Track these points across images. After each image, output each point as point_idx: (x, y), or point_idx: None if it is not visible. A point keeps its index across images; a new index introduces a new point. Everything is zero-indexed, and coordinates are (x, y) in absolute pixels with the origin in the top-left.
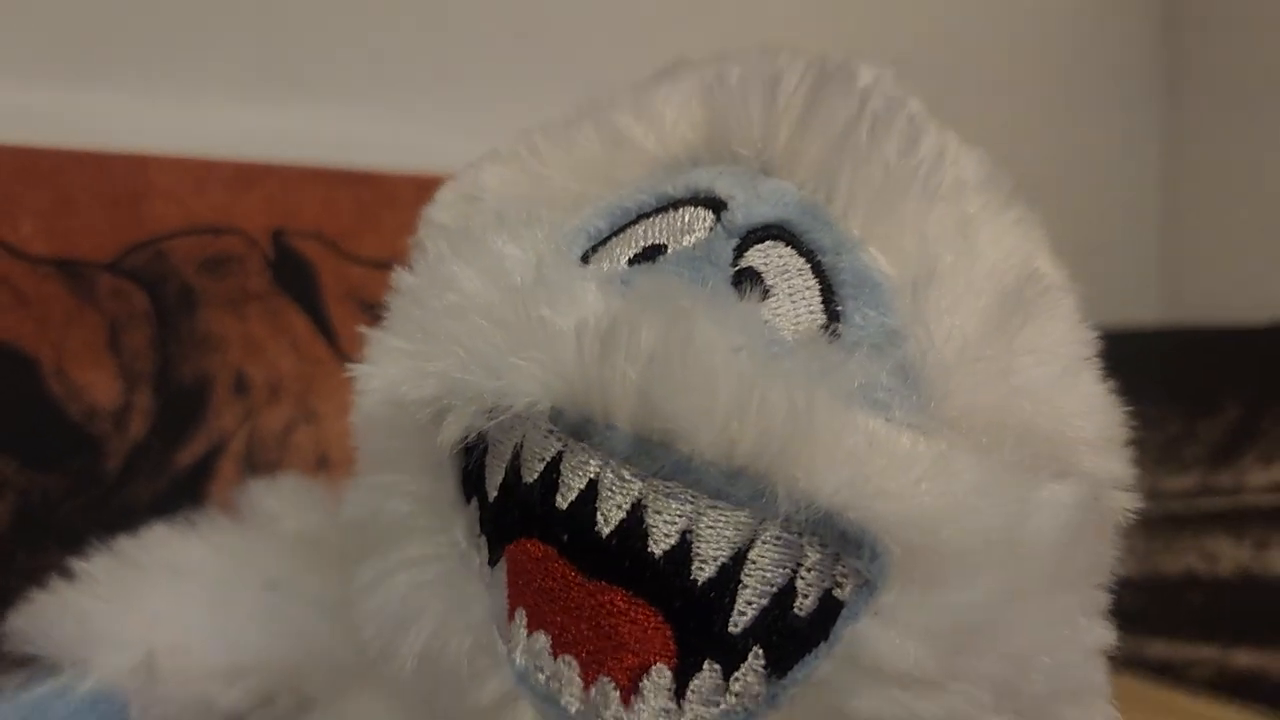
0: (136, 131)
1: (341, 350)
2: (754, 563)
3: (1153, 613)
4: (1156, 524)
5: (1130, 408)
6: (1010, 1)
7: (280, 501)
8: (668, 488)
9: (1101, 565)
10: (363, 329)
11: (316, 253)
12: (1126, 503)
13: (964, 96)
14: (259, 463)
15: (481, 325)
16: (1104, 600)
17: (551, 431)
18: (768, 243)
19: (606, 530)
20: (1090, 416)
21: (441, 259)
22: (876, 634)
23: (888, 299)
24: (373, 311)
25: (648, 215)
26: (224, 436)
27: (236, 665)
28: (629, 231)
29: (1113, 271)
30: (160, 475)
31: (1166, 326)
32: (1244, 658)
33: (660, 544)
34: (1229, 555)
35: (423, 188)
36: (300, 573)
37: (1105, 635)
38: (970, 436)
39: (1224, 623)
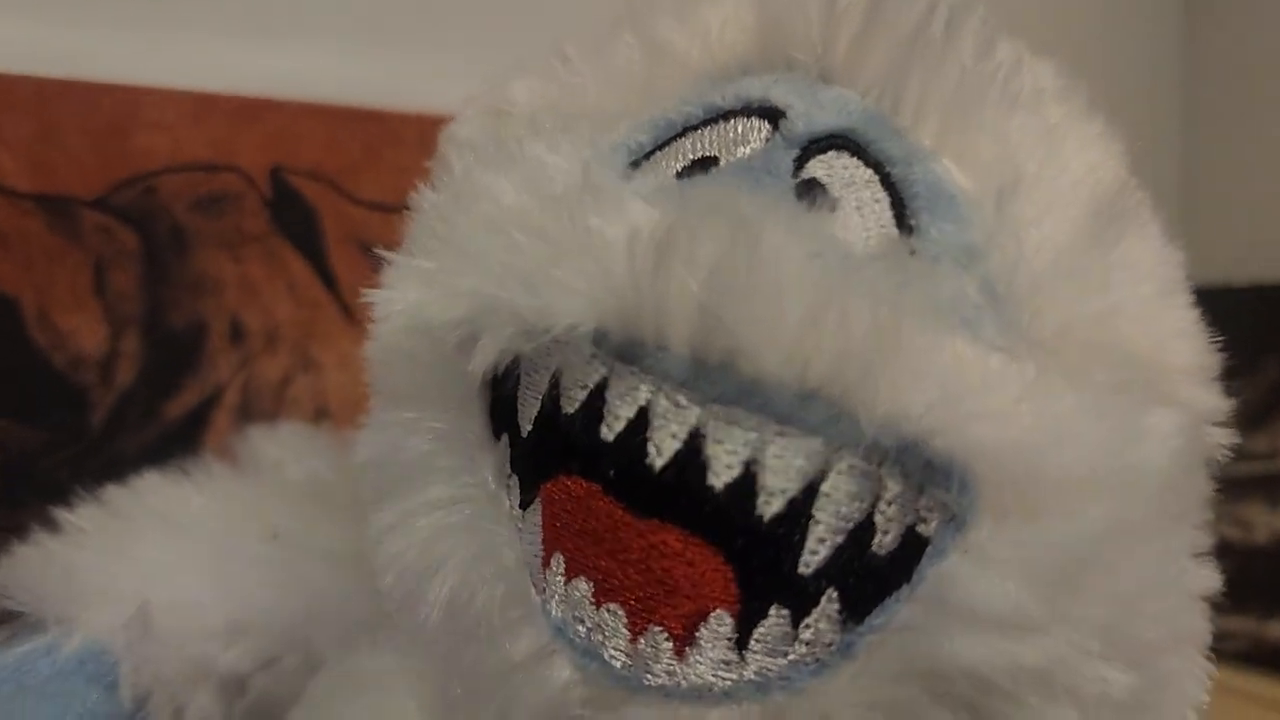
0: (128, 64)
1: (342, 296)
2: (827, 495)
3: None
4: None
5: None
6: None
7: (281, 448)
8: (729, 414)
9: (1203, 504)
10: (381, 251)
11: (317, 193)
12: (1222, 439)
13: None
14: (255, 414)
15: (519, 239)
16: (1205, 541)
17: (595, 355)
18: (831, 153)
19: (659, 463)
20: (1187, 341)
21: (470, 171)
22: (968, 573)
23: (964, 213)
24: (376, 255)
25: (694, 128)
26: (218, 386)
27: (237, 622)
28: (674, 145)
29: None
30: (149, 427)
31: (1198, 285)
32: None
33: (721, 476)
34: (1264, 523)
35: (427, 128)
36: (306, 522)
37: (1210, 579)
38: (1064, 358)
39: (1259, 593)
